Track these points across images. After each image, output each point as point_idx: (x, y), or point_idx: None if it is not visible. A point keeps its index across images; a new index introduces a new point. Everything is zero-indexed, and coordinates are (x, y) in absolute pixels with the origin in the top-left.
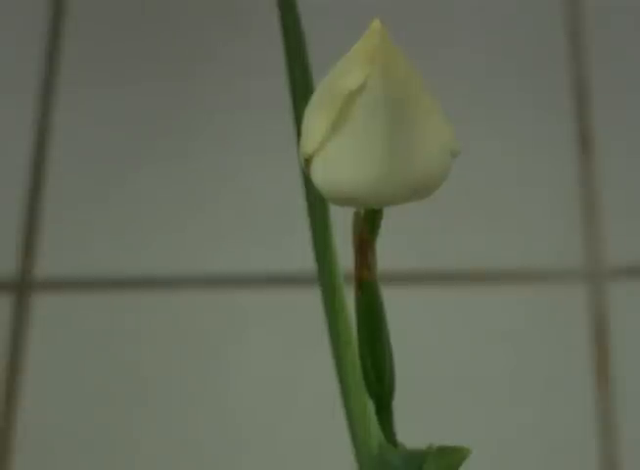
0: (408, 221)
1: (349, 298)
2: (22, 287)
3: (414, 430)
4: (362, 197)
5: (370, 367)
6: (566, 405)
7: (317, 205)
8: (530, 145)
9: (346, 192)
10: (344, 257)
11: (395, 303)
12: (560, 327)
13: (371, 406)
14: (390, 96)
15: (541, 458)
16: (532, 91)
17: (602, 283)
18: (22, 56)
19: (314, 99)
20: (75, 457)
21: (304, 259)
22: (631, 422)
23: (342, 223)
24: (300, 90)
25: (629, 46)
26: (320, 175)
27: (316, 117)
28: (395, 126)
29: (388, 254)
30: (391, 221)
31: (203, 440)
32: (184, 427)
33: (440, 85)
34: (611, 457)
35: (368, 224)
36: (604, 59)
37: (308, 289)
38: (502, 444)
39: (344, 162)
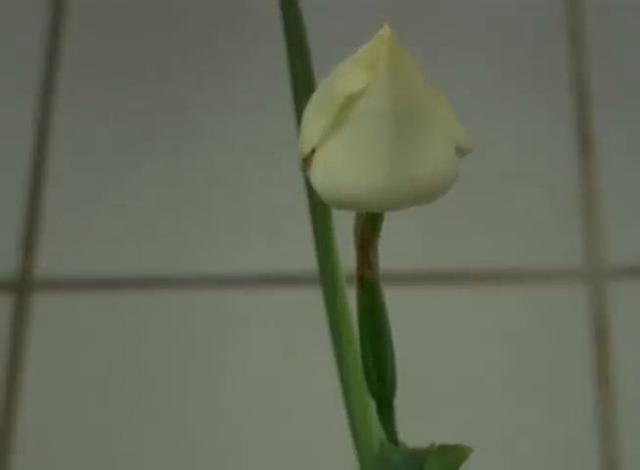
0: (408, 221)
1: (351, 297)
2: (22, 287)
3: (415, 429)
4: (365, 202)
5: (371, 366)
6: (566, 405)
7: (319, 204)
8: (530, 145)
9: (348, 196)
10: (346, 256)
11: (396, 302)
12: (560, 327)
13: (372, 405)
14: (396, 102)
15: (541, 458)
16: (532, 91)
17: (602, 283)
18: (22, 56)
19: (314, 99)
20: (75, 457)
21: (304, 259)
22: (631, 422)
23: (343, 222)
24: (302, 87)
25: (629, 46)
26: (320, 178)
27: (314, 118)
28: (401, 132)
29: (388, 254)
30: (392, 221)
31: (203, 439)
32: (184, 427)
33: (440, 85)
34: (611, 457)
35: (369, 223)
36: (604, 59)
37: (308, 289)
38: (502, 443)
39: (346, 166)
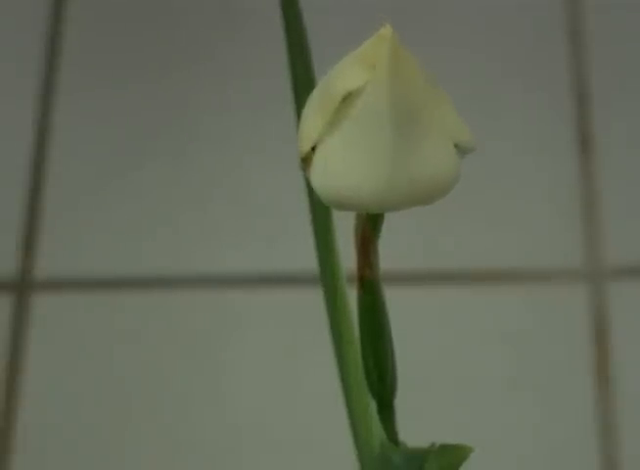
0: (408, 221)
1: (351, 297)
2: (22, 287)
3: (415, 429)
4: (365, 203)
5: (372, 366)
6: (566, 405)
7: (319, 204)
8: (530, 145)
9: (348, 197)
10: (346, 256)
11: (396, 302)
12: (560, 327)
13: (373, 405)
14: (396, 101)
15: (541, 458)
16: (532, 91)
17: (602, 283)
18: (21, 56)
19: (313, 96)
20: (75, 457)
21: (304, 259)
22: (631, 422)
23: (343, 222)
24: (303, 87)
25: (629, 46)
26: (319, 179)
27: (313, 116)
28: (401, 133)
29: (388, 254)
30: (392, 221)
31: (203, 439)
32: (184, 427)
33: (440, 85)
34: (611, 457)
35: (370, 224)
36: (604, 59)
37: (308, 289)
38: (502, 443)
39: (346, 167)
